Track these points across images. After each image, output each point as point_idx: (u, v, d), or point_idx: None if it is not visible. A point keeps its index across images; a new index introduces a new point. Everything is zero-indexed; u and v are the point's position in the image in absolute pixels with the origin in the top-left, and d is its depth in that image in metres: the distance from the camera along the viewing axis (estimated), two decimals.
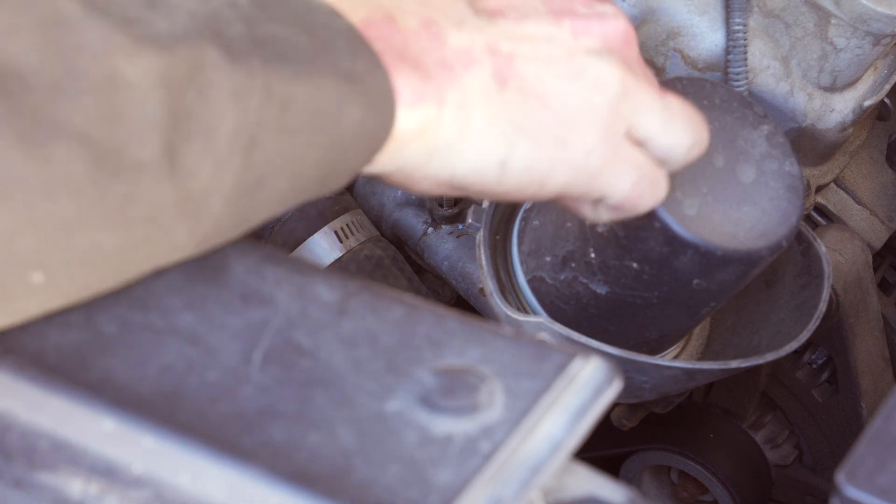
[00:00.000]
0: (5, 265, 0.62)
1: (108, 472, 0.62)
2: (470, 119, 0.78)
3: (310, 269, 0.71)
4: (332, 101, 0.71)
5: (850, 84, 1.16)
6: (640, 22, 1.09)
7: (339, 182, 0.74)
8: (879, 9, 1.09)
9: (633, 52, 0.85)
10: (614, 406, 1.23)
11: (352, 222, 1.22)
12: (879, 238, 1.29)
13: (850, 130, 1.18)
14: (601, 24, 0.83)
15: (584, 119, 0.81)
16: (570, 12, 0.83)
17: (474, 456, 0.61)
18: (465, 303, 1.23)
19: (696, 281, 0.94)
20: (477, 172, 0.79)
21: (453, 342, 0.66)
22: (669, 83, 0.96)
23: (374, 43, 0.74)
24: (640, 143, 0.85)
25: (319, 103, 0.70)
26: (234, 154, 0.67)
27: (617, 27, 0.83)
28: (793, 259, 1.07)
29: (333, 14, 0.73)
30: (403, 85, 0.75)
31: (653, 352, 1.04)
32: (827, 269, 1.05)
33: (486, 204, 1.05)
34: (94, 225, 0.63)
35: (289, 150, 0.70)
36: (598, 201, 0.85)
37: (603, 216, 0.87)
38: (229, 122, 0.67)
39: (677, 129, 0.86)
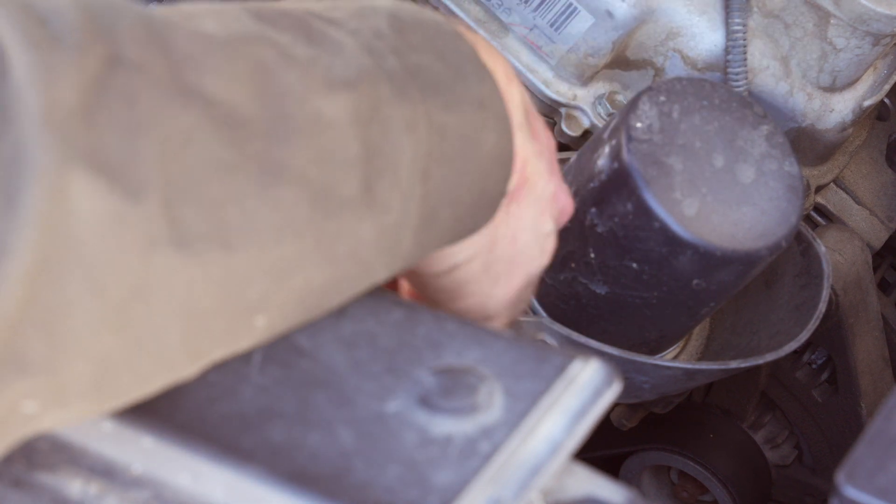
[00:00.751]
0: (237, 311, 0.61)
1: (107, 473, 0.62)
2: None
3: None
4: (474, 128, 0.72)
5: (850, 84, 1.16)
6: (640, 22, 1.09)
7: (487, 214, 0.75)
8: (879, 9, 1.09)
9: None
10: (614, 406, 1.23)
11: None
12: (879, 238, 1.29)
13: (850, 130, 1.18)
14: (564, 199, 0.83)
15: (521, 275, 0.82)
16: (555, 171, 0.83)
17: (474, 457, 0.61)
18: None
19: (695, 281, 0.94)
20: (437, 258, 0.78)
21: (453, 343, 0.66)
22: (669, 83, 0.96)
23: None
24: None
25: (465, 130, 0.71)
26: (415, 186, 0.68)
27: (567, 209, 0.84)
28: (792, 259, 1.07)
29: (458, 37, 0.74)
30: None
31: (652, 352, 1.04)
32: (826, 270, 1.05)
33: None
34: (310, 265, 0.63)
35: (450, 178, 0.70)
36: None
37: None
38: (408, 155, 0.67)
39: None
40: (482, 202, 0.74)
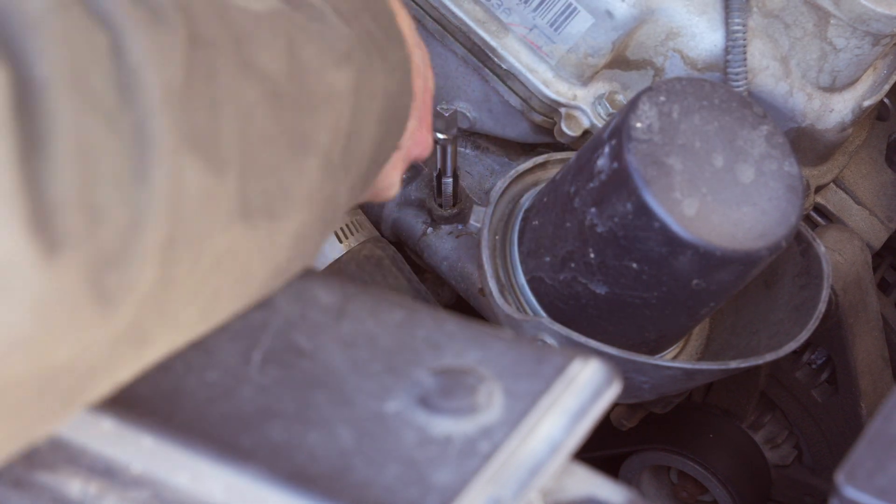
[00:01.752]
0: (270, 275, 0.66)
1: (107, 472, 0.62)
2: None
3: (309, 272, 0.71)
4: (401, 91, 0.78)
5: (850, 84, 1.16)
6: (640, 22, 1.09)
7: (393, 142, 0.81)
8: (879, 9, 1.09)
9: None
10: (614, 406, 1.23)
11: (352, 222, 1.22)
12: (879, 238, 1.29)
13: (850, 130, 1.18)
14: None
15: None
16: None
17: (473, 456, 0.61)
18: (465, 303, 1.23)
19: (695, 281, 0.94)
20: None
21: (452, 344, 0.66)
22: (669, 83, 0.96)
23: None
24: None
25: (396, 91, 0.77)
26: (371, 149, 0.74)
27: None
28: (792, 259, 1.07)
29: (393, 15, 0.79)
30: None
31: (652, 352, 1.04)
32: (826, 270, 1.05)
33: (489, 202, 1.05)
34: (316, 231, 0.68)
35: (387, 140, 0.77)
36: None
37: None
38: (374, 118, 0.73)
39: None
40: (386, 158, 0.80)
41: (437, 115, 1.10)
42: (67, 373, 0.54)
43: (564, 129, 1.11)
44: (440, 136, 1.12)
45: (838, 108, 1.16)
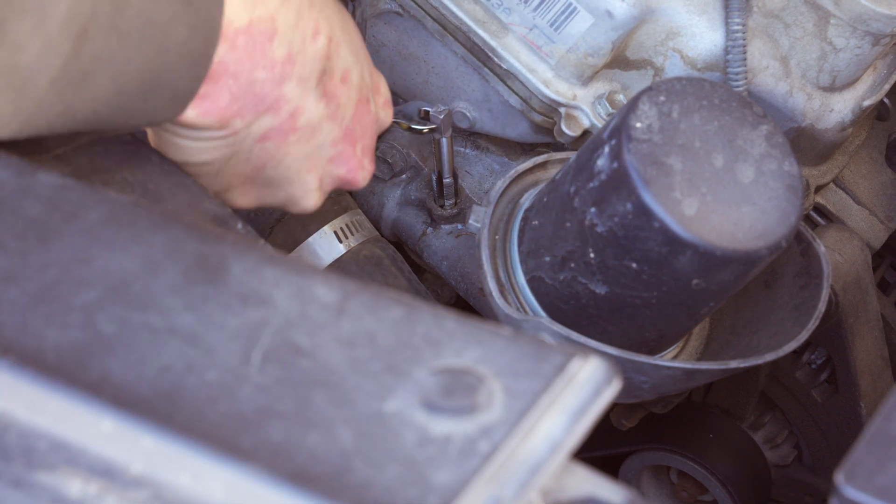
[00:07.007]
0: None
1: (107, 472, 0.62)
2: (221, 143, 0.88)
3: (308, 269, 0.71)
4: (164, 15, 0.77)
5: (850, 84, 1.16)
6: (640, 22, 1.09)
7: (163, 103, 0.81)
8: (879, 9, 1.09)
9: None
10: (613, 406, 1.23)
11: (351, 222, 1.22)
12: (879, 238, 1.29)
13: (850, 130, 1.18)
14: (352, 170, 0.98)
15: (253, 199, 0.96)
16: (351, 142, 0.96)
17: (473, 456, 0.61)
18: (465, 303, 1.23)
19: (695, 281, 0.94)
20: (170, 147, 0.88)
21: (452, 342, 0.66)
22: (669, 83, 0.96)
23: None
24: None
25: (151, 13, 0.77)
26: (65, 40, 0.73)
27: (356, 179, 0.98)
28: (792, 259, 1.07)
29: None
30: (228, 17, 0.82)
31: (652, 352, 1.04)
32: (826, 269, 1.05)
33: (488, 203, 1.05)
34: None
35: (117, 50, 0.76)
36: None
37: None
38: (62, 8, 0.73)
39: None
40: (161, 93, 0.80)
41: (433, 116, 1.11)
42: None
43: (564, 129, 1.11)
44: (437, 135, 1.13)
45: (838, 108, 1.16)
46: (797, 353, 1.26)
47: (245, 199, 0.96)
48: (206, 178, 0.91)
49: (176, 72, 0.80)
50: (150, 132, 0.90)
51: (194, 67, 0.81)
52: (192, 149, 0.88)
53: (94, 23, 0.74)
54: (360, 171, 0.97)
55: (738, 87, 1.09)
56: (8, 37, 0.72)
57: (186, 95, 0.82)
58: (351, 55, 0.93)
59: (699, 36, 1.10)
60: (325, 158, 0.95)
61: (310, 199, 0.96)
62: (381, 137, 1.22)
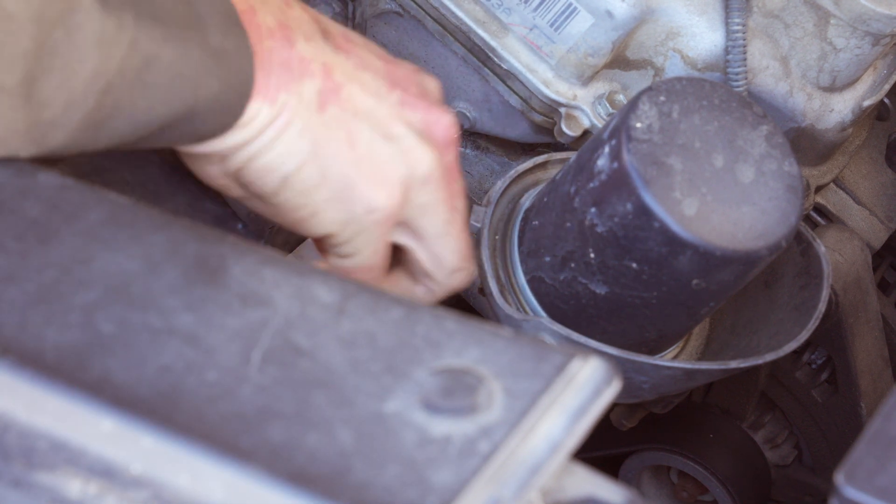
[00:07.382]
0: None
1: (106, 473, 0.62)
2: (287, 124, 0.82)
3: (308, 270, 0.71)
4: (195, 70, 0.76)
5: (850, 84, 1.16)
6: (640, 22, 1.09)
7: (184, 141, 0.81)
8: (879, 9, 1.09)
9: (451, 155, 0.90)
10: (613, 406, 1.23)
11: None
12: (879, 238, 1.29)
13: (850, 130, 1.18)
14: (427, 110, 0.89)
15: (379, 178, 0.85)
16: (404, 87, 0.89)
17: (473, 456, 0.61)
18: (465, 303, 1.23)
19: (695, 281, 0.94)
20: (263, 175, 0.83)
21: (452, 343, 0.66)
22: (669, 83, 0.96)
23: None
24: (410, 239, 0.90)
25: (182, 68, 0.76)
26: (89, 96, 0.73)
27: (442, 122, 0.89)
28: (792, 259, 1.07)
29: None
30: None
31: (652, 352, 1.04)
32: (826, 270, 1.05)
33: (489, 203, 1.05)
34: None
35: (141, 103, 0.76)
36: (341, 256, 0.88)
37: (329, 264, 0.90)
38: (89, 66, 0.72)
39: (451, 246, 0.91)
40: (179, 135, 0.79)
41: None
42: None
43: (564, 129, 1.11)
44: None
45: (838, 108, 1.16)
46: (797, 353, 1.26)
47: (370, 199, 0.87)
48: (314, 192, 0.84)
49: (204, 121, 0.80)
50: (228, 179, 0.86)
51: (224, 119, 0.80)
52: (274, 155, 0.83)
53: (120, 77, 0.74)
54: (434, 111, 0.89)
55: (738, 87, 1.09)
56: (35, 96, 0.72)
57: (212, 137, 0.81)
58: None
59: (699, 36, 1.10)
60: (393, 104, 0.87)
61: (416, 152, 0.87)
62: None
